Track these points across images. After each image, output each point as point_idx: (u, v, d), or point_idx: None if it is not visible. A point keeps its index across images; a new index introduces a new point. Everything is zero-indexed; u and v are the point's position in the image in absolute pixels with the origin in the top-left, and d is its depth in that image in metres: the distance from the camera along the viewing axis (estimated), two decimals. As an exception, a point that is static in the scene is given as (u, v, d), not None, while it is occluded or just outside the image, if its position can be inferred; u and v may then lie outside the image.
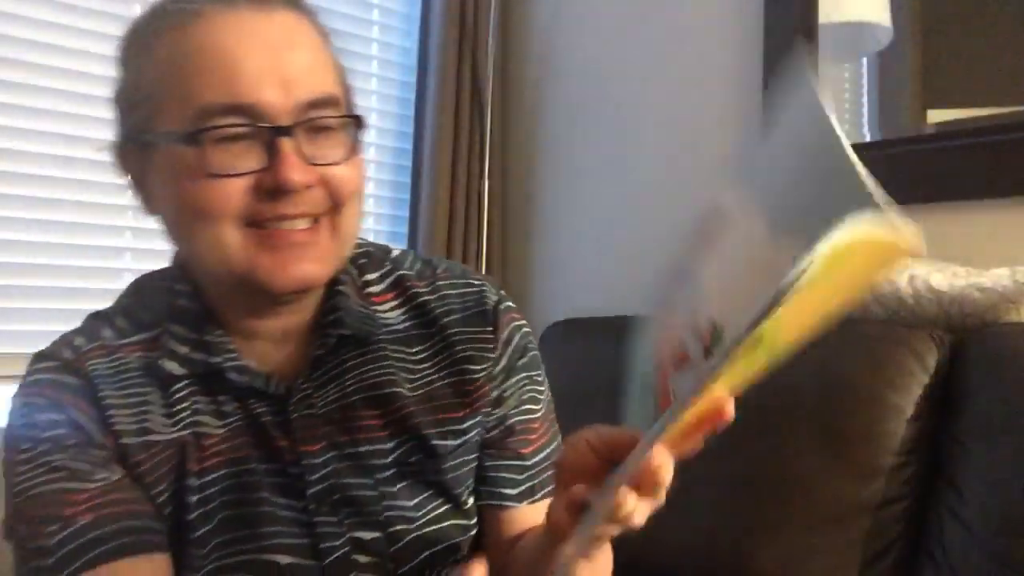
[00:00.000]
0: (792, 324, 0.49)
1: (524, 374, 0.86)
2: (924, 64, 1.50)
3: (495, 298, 0.86)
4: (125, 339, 0.78)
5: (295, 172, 0.69)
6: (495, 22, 1.96)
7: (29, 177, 1.53)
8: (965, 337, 1.22)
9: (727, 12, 1.73)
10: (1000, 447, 1.09)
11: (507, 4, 2.06)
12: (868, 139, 1.58)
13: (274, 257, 0.70)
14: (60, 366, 0.76)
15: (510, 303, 0.87)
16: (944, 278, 1.28)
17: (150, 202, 0.76)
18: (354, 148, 0.74)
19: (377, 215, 2.02)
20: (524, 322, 0.88)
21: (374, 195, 2.02)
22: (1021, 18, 1.37)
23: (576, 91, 1.99)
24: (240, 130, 0.69)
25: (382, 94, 2.03)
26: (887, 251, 0.43)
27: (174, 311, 0.78)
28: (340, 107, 0.74)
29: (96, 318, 0.81)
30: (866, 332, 1.27)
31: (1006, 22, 1.39)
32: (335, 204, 0.73)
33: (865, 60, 1.61)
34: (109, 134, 0.76)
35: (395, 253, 0.87)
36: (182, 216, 0.71)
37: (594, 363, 0.96)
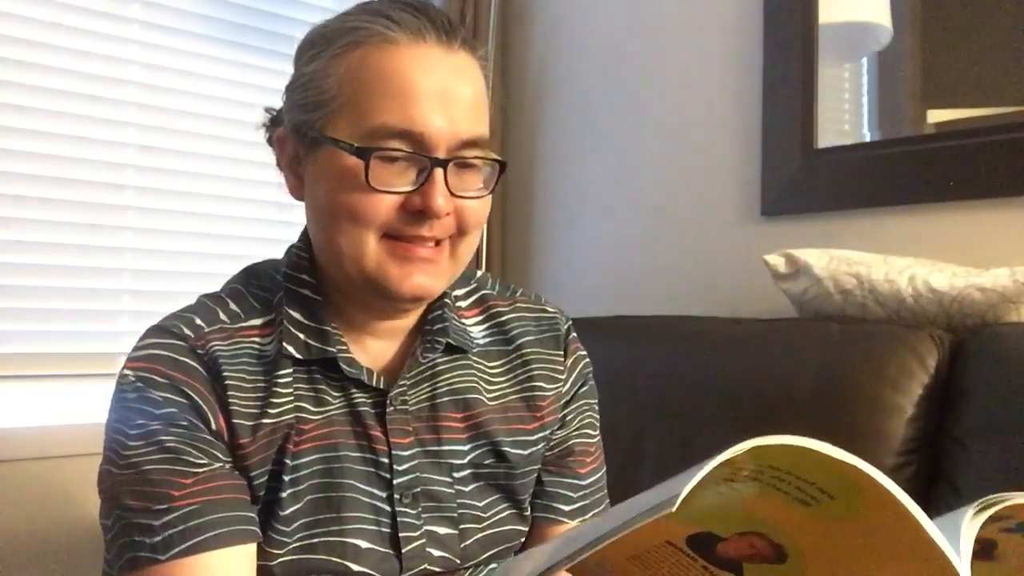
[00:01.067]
0: None
1: (584, 401, 0.95)
2: (924, 64, 1.50)
3: (566, 327, 0.95)
4: (241, 323, 0.82)
5: (441, 200, 0.77)
6: (495, 22, 1.96)
7: (28, 177, 1.54)
8: (965, 337, 1.22)
9: (727, 12, 1.73)
10: (1000, 447, 1.09)
11: (507, 4, 2.07)
12: (868, 139, 1.58)
13: (402, 268, 0.78)
14: (180, 345, 0.79)
15: (575, 334, 0.96)
16: (944, 278, 1.28)
17: (298, 188, 0.83)
18: (491, 187, 0.82)
19: (377, 215, 2.02)
20: (586, 353, 0.97)
21: (374, 195, 2.02)
22: (1021, 18, 1.37)
23: (576, 92, 1.99)
24: (402, 154, 0.76)
25: (382, 94, 2.02)
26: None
27: (295, 298, 0.83)
28: (487, 149, 0.81)
29: (210, 299, 0.84)
30: (866, 332, 1.27)
31: (1006, 22, 1.39)
32: (460, 231, 0.81)
33: (865, 60, 1.61)
34: (259, 113, 0.87)
35: (479, 273, 0.96)
36: (332, 215, 0.78)
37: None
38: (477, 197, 0.81)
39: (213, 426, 0.77)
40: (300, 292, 0.84)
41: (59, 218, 1.57)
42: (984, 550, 0.51)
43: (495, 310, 0.93)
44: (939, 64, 1.48)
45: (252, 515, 0.77)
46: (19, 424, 1.50)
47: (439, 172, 0.77)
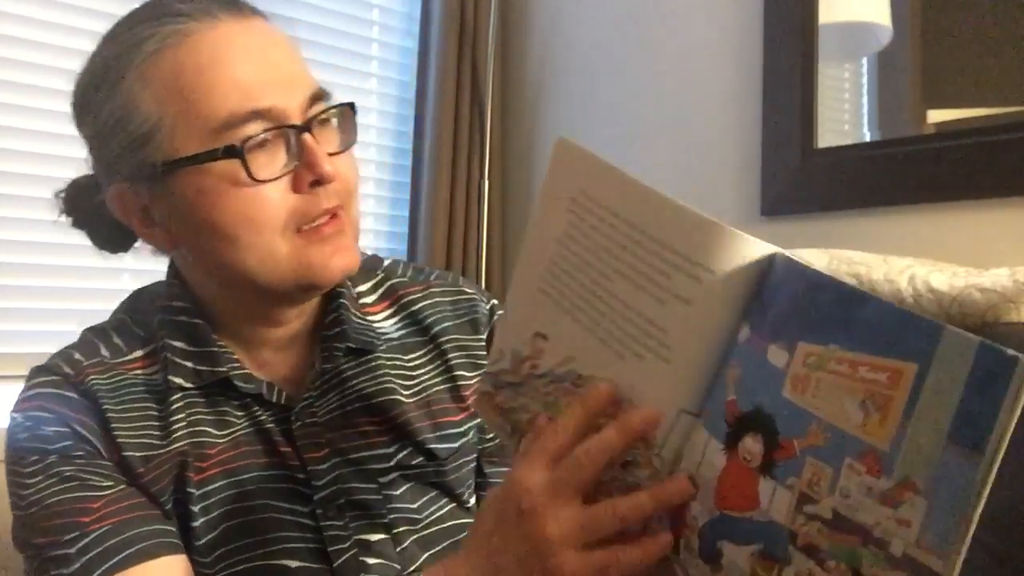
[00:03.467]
0: None
1: None
2: (924, 64, 1.50)
3: (488, 308, 0.89)
4: (123, 356, 0.78)
5: (327, 163, 0.72)
6: (495, 22, 1.96)
7: (26, 177, 1.53)
8: (965, 337, 1.22)
9: (727, 12, 1.73)
10: (1000, 447, 1.09)
11: (507, 4, 2.06)
12: (868, 139, 1.58)
13: (323, 251, 0.73)
14: (61, 380, 0.76)
15: (503, 312, 0.88)
16: (944, 278, 1.27)
17: (168, 239, 0.76)
18: (353, 136, 0.77)
19: (377, 215, 2.02)
20: None
21: (374, 195, 2.01)
22: (1021, 18, 1.37)
23: (576, 91, 1.99)
24: (266, 135, 0.71)
25: (382, 94, 2.03)
26: None
27: (173, 327, 0.78)
28: (329, 98, 0.77)
29: (93, 333, 0.81)
30: (866, 332, 1.26)
31: (1006, 22, 1.39)
32: (348, 195, 0.76)
33: (865, 60, 1.61)
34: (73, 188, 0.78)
35: (387, 262, 0.90)
36: (223, 235, 0.71)
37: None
38: (345, 150, 0.77)
39: (107, 459, 0.74)
40: (178, 319, 0.79)
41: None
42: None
43: (407, 299, 0.87)
44: (939, 64, 1.48)
45: (172, 529, 0.73)
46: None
47: (308, 137, 0.72)
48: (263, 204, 0.71)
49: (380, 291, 0.88)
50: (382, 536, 0.79)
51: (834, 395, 0.48)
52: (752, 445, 0.52)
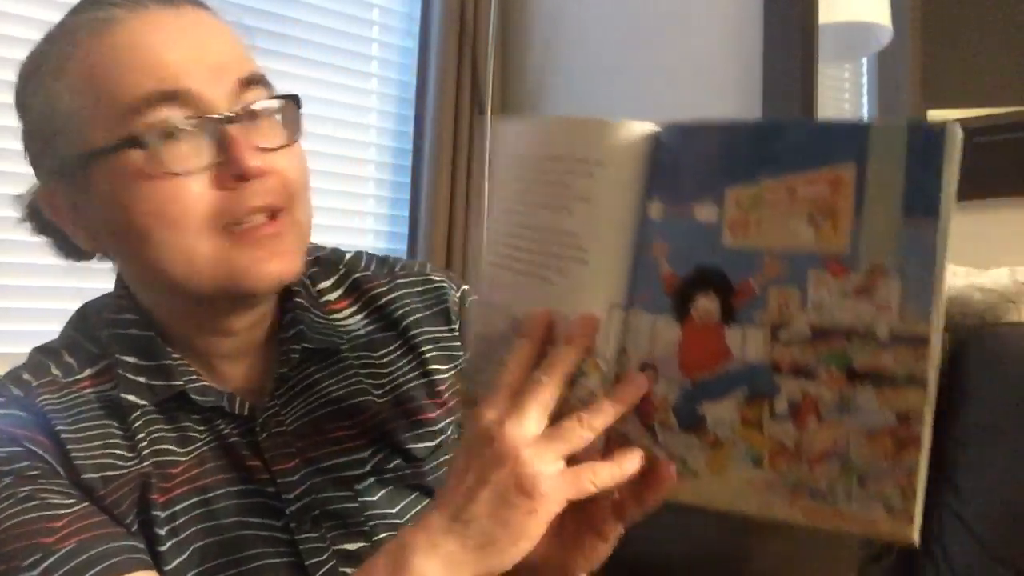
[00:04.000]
0: None
1: None
2: (924, 64, 1.50)
3: (458, 296, 0.84)
4: (73, 376, 0.73)
5: (251, 157, 0.66)
6: (495, 22, 1.96)
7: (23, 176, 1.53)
8: (965, 337, 1.22)
9: (727, 12, 1.73)
10: (1000, 447, 1.09)
11: (507, 4, 2.06)
12: (868, 139, 1.58)
13: (252, 254, 0.67)
14: (10, 402, 0.71)
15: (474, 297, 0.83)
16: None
17: (92, 237, 0.72)
18: (295, 130, 0.71)
19: (377, 215, 2.02)
20: None
21: (374, 195, 2.02)
22: (1021, 18, 1.37)
23: (576, 91, 1.99)
24: (184, 124, 0.65)
25: (382, 94, 2.03)
26: None
27: (123, 341, 0.73)
28: (272, 90, 0.71)
29: (42, 353, 0.75)
30: (866, 332, 1.27)
31: (1006, 22, 1.39)
32: (290, 195, 0.70)
33: (865, 60, 1.61)
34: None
35: (348, 256, 0.85)
36: (139, 235, 0.67)
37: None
38: (287, 146, 0.70)
39: (64, 477, 0.68)
40: (127, 333, 0.73)
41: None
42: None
43: (372, 293, 0.82)
44: (939, 64, 1.48)
45: (141, 546, 0.68)
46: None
47: (233, 128, 0.66)
48: (177, 198, 0.65)
49: (344, 287, 0.83)
50: (362, 544, 0.75)
51: (779, 224, 0.50)
52: (706, 303, 0.53)
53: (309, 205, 0.73)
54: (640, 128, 0.56)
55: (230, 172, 0.66)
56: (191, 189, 0.65)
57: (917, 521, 0.49)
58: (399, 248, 2.00)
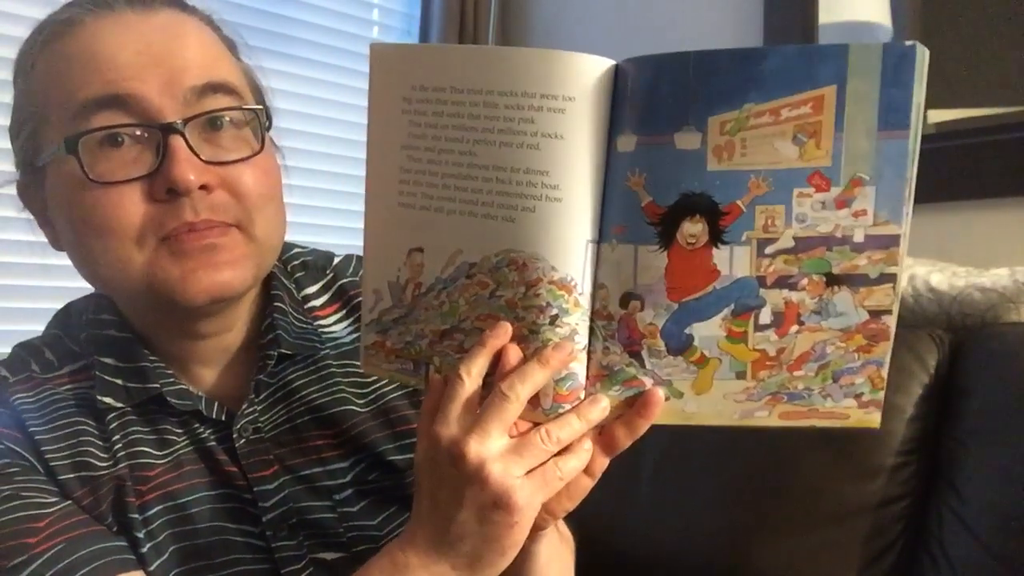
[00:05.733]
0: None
1: None
2: (924, 64, 1.50)
3: None
4: (52, 372, 0.72)
5: (187, 171, 0.63)
6: (495, 22, 1.96)
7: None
8: (965, 337, 1.22)
9: (727, 12, 1.73)
10: (1000, 447, 1.09)
11: (507, 4, 2.07)
12: (868, 139, 1.58)
13: (183, 265, 0.64)
14: None
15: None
16: (944, 278, 1.27)
17: (55, 237, 0.71)
18: (257, 144, 0.68)
19: (377, 215, 2.02)
20: None
21: (374, 195, 2.01)
22: (1021, 18, 1.37)
23: (576, 91, 1.99)
24: (124, 131, 0.63)
25: (382, 94, 2.02)
26: None
27: (101, 342, 0.73)
28: (241, 100, 0.69)
29: (24, 349, 0.75)
30: (866, 332, 1.27)
31: (1006, 22, 1.39)
32: (244, 210, 0.67)
33: (865, 60, 1.61)
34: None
35: (337, 260, 0.83)
36: (78, 241, 0.66)
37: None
38: (244, 159, 0.67)
39: (43, 474, 0.68)
40: (105, 334, 0.73)
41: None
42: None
43: (359, 299, 0.78)
44: (939, 64, 1.48)
45: (126, 545, 0.67)
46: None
47: (177, 139, 0.63)
48: (107, 208, 0.63)
49: (330, 292, 0.81)
50: (340, 555, 0.73)
51: (764, 145, 0.52)
52: (693, 227, 0.54)
53: (274, 220, 0.70)
54: (600, 62, 0.55)
55: (162, 185, 0.63)
56: (124, 200, 0.63)
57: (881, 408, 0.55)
58: (399, 248, 2.00)
